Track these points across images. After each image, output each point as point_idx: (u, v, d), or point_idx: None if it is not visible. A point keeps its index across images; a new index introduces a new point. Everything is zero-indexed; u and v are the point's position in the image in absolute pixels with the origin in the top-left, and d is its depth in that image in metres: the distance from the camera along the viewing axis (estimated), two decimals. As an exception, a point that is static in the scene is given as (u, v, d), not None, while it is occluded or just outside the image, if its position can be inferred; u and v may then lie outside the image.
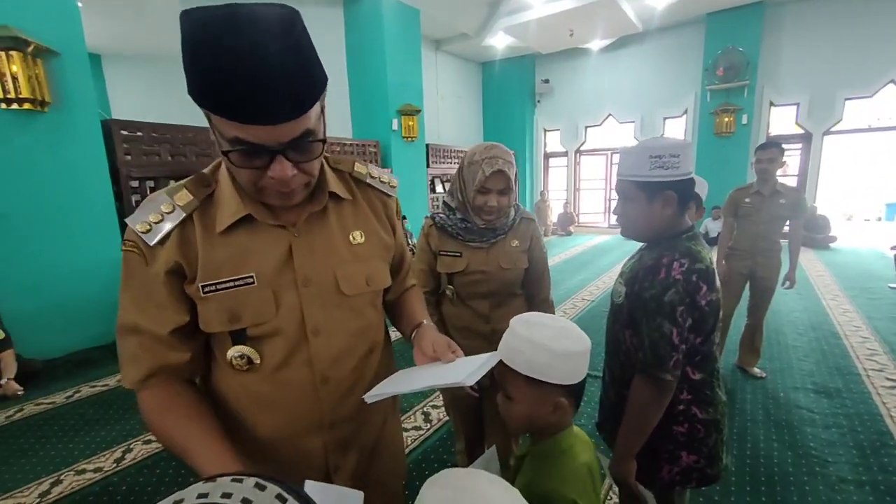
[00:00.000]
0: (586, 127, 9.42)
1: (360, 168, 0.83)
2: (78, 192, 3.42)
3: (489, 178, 1.24)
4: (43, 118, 3.20)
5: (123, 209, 3.79)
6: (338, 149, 5.79)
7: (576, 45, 8.42)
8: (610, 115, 9.00)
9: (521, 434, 0.84)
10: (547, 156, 10.25)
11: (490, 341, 1.35)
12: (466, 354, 1.23)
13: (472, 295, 1.37)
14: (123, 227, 3.57)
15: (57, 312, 3.39)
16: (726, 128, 7.40)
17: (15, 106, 3.02)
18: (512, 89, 9.64)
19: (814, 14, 6.89)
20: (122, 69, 7.93)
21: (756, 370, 2.82)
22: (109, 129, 3.68)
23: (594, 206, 10.05)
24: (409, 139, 6.50)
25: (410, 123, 6.42)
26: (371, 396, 0.70)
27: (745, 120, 7.31)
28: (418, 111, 6.48)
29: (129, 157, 3.83)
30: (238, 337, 0.68)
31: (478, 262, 1.34)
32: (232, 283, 0.67)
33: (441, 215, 1.38)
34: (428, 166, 7.16)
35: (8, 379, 2.82)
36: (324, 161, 0.75)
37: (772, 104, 7.43)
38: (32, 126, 3.17)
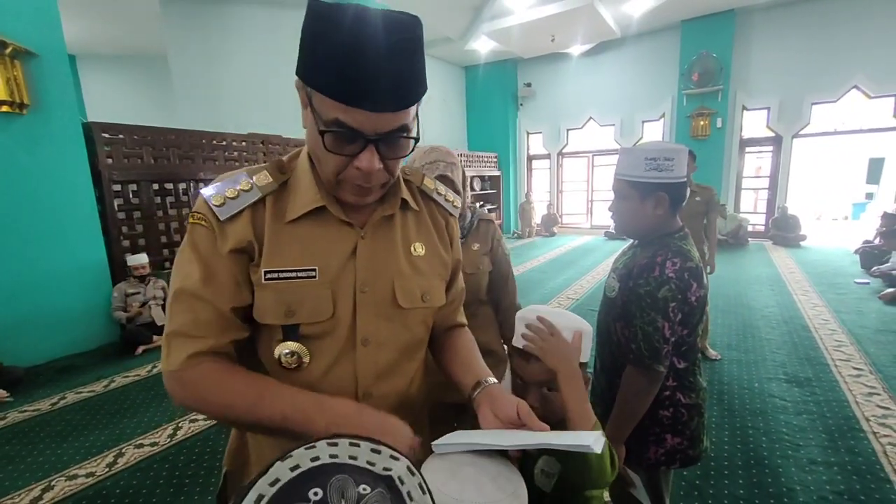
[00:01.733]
0: (568, 130, 9.61)
1: (428, 182, 0.82)
2: (59, 196, 3.36)
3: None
4: (21, 120, 3.15)
5: (106, 212, 3.73)
6: (323, 151, 5.77)
7: (557, 49, 8.60)
8: (591, 118, 9.20)
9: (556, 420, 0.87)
10: (530, 158, 10.41)
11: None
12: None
13: None
14: (107, 231, 3.55)
15: (37, 319, 3.31)
16: (702, 131, 7.66)
17: (-7, 108, 2.97)
18: (495, 92, 9.77)
19: (782, 22, 7.21)
20: (97, 69, 7.76)
21: (711, 352, 3.09)
22: (90, 131, 3.63)
23: (577, 208, 10.25)
24: (395, 142, 6.53)
25: (396, 126, 6.45)
26: (440, 446, 0.60)
27: (719, 123, 7.58)
28: (403, 114, 6.52)
29: (110, 161, 3.78)
30: (290, 333, 0.65)
31: None
32: (294, 275, 0.65)
33: None
34: (413, 168, 7.20)
35: (-11, 386, 2.76)
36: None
37: (744, 108, 7.73)
38: (10, 129, 3.11)
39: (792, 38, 7.17)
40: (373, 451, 0.40)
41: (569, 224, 10.27)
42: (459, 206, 0.85)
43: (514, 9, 6.85)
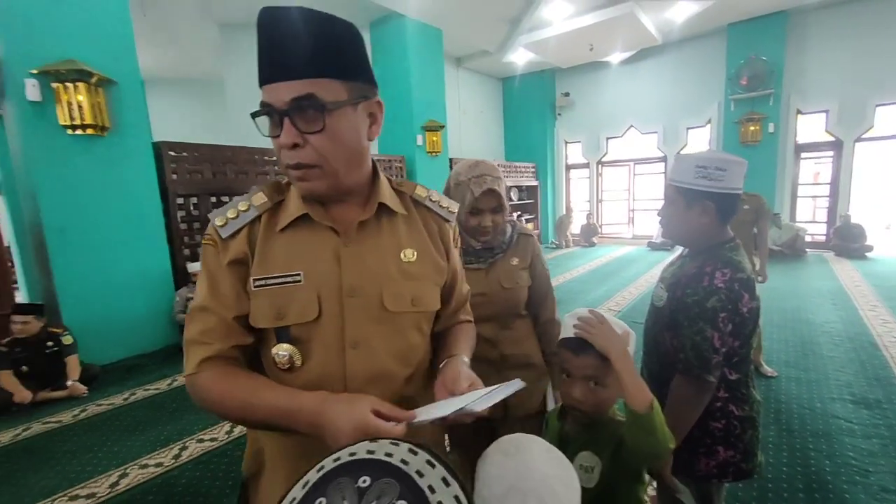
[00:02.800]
0: (608, 138, 9.44)
1: (420, 191, 0.85)
2: (131, 209, 3.68)
3: (479, 199, 1.18)
4: (102, 141, 3.48)
5: (170, 224, 4.04)
6: (365, 164, 5.99)
7: (595, 58, 8.52)
8: (632, 126, 9.01)
9: (592, 419, 0.90)
10: (568, 167, 10.30)
11: (499, 368, 1.27)
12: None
13: (475, 319, 1.30)
14: (171, 241, 3.84)
15: (110, 321, 3.62)
16: (752, 136, 7.32)
17: (79, 131, 3.31)
18: (532, 103, 9.78)
19: (840, 21, 6.82)
20: (162, 93, 8.44)
21: (767, 368, 2.93)
22: (159, 150, 3.96)
23: (617, 218, 10.00)
24: (433, 154, 6.68)
25: (434, 139, 6.61)
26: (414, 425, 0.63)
27: (771, 128, 7.23)
28: (442, 127, 6.67)
29: (175, 176, 4.10)
30: (282, 335, 0.70)
31: (477, 284, 1.25)
32: (281, 280, 0.70)
33: None
34: (451, 180, 7.31)
35: (73, 381, 3.04)
36: (384, 178, 0.80)
37: (799, 112, 7.33)
38: (93, 149, 3.45)
39: (852, 38, 6.76)
40: (443, 479, 0.38)
41: (609, 234, 10.03)
42: (456, 210, 0.87)
43: (552, 20, 6.87)
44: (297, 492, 0.38)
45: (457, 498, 0.37)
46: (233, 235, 0.72)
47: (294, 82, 0.62)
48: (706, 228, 1.11)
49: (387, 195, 0.78)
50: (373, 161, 0.79)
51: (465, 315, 0.92)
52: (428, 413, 0.63)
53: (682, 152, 8.44)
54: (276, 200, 0.75)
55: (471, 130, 9.11)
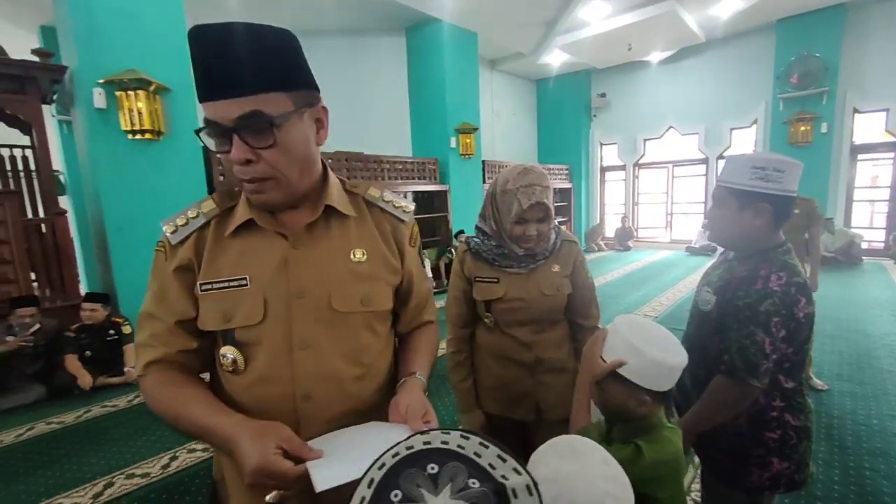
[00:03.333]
0: (645, 140, 9.19)
1: (373, 192, 0.85)
2: (181, 208, 3.91)
3: (530, 209, 1.16)
4: (157, 145, 3.72)
5: (217, 223, 4.26)
6: (399, 166, 6.12)
7: (634, 58, 8.32)
8: (671, 127, 8.73)
9: (613, 419, 0.90)
10: (603, 170, 10.09)
11: (533, 371, 1.27)
12: (508, 385, 1.24)
13: (511, 322, 1.27)
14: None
15: (162, 314, 3.85)
16: (802, 137, 6.95)
17: (138, 136, 3.55)
18: (567, 104, 9.65)
19: (904, 13, 6.37)
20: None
21: (817, 381, 2.80)
22: (207, 153, 4.18)
23: (654, 221, 9.70)
24: (466, 156, 6.72)
25: (468, 141, 6.64)
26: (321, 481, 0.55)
27: (824, 128, 6.83)
28: (475, 129, 6.69)
29: (222, 178, 4.32)
30: (227, 337, 0.71)
31: (517, 288, 1.25)
32: (226, 284, 0.71)
33: (475, 240, 1.30)
34: (484, 182, 7.33)
35: (129, 368, 3.26)
36: (334, 179, 0.80)
37: (856, 111, 6.89)
38: (149, 152, 3.68)
39: (917, 31, 6.30)
40: (499, 457, 0.40)
41: (645, 238, 9.74)
42: (410, 210, 0.87)
43: (589, 20, 6.77)
44: (364, 491, 0.39)
45: (516, 470, 0.39)
46: (181, 242, 0.73)
47: (238, 100, 0.61)
48: (759, 231, 1.07)
49: (335, 197, 0.77)
50: (323, 163, 0.79)
51: (428, 315, 0.92)
52: (336, 455, 0.60)
53: (728, 154, 8.12)
54: (225, 206, 0.76)
55: (504, 133, 9.09)
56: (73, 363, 3.17)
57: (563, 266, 1.28)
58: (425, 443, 0.40)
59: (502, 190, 1.21)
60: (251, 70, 0.61)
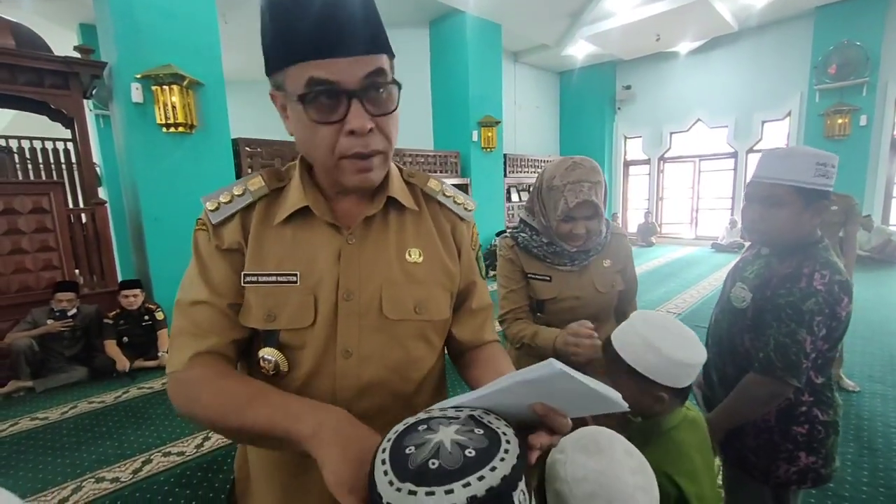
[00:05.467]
0: (671, 133, 8.97)
1: (433, 184, 0.74)
2: (212, 200, 4.05)
3: (577, 207, 1.09)
4: (190, 138, 3.84)
5: (245, 214, 4.39)
6: (421, 160, 6.15)
7: (662, 49, 8.11)
8: (699, 119, 8.50)
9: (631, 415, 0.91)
10: (627, 163, 9.90)
11: (584, 371, 1.20)
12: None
13: (564, 322, 1.17)
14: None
15: (193, 301, 4.01)
16: (840, 130, 6.66)
17: (172, 129, 3.68)
18: (591, 97, 9.49)
19: (955, -1, 6.01)
20: (237, 93, 9.10)
21: (848, 382, 2.73)
22: (237, 146, 4.31)
23: (679, 217, 9.48)
24: (488, 149, 6.70)
25: (489, 134, 6.62)
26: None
27: (863, 121, 6.53)
28: (498, 122, 6.66)
29: (250, 170, 4.44)
30: (269, 338, 0.62)
31: (570, 287, 1.20)
32: (274, 279, 0.62)
33: (523, 235, 1.23)
34: (505, 175, 7.31)
35: (163, 352, 3.42)
36: (394, 167, 0.71)
37: (899, 103, 6.57)
38: (182, 145, 3.82)
39: (970, 17, 5.94)
40: (496, 418, 0.44)
41: (669, 234, 9.54)
42: (472, 208, 0.76)
43: (615, 11, 6.63)
44: (379, 455, 0.40)
45: (507, 424, 0.43)
46: (224, 222, 0.64)
47: (363, 57, 0.53)
48: (812, 229, 1.05)
49: (397, 188, 0.68)
50: None
51: (490, 334, 0.77)
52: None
53: (759, 147, 7.86)
54: (273, 187, 0.67)
55: (526, 125, 9.02)
56: (112, 348, 3.34)
57: (614, 261, 1.24)
58: (403, 423, 0.44)
59: (548, 186, 1.15)
60: (373, 26, 0.54)
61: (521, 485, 0.38)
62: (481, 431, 0.40)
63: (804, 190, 1.00)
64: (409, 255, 0.68)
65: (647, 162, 9.46)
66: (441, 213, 0.74)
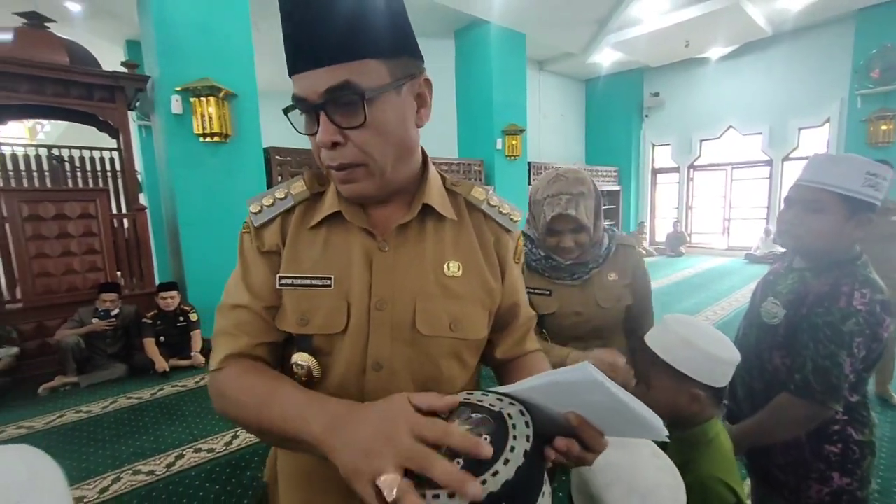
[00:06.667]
0: (702, 140, 8.74)
1: (477, 192, 0.71)
2: (244, 206, 4.18)
3: (553, 221, 1.07)
4: (225, 147, 4.01)
5: (274, 221, 4.53)
6: (445, 168, 6.21)
7: (691, 55, 7.95)
8: (731, 126, 8.26)
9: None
10: (655, 171, 9.70)
11: None
12: None
13: (566, 338, 1.17)
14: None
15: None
16: (884, 137, 6.35)
17: (208, 139, 3.86)
18: (617, 104, 9.37)
19: None
20: (268, 104, 9.43)
21: None
22: (268, 154, 4.47)
23: (709, 226, 9.19)
24: (512, 157, 6.71)
25: (514, 142, 6.63)
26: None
27: (910, 127, 6.21)
28: (522, 130, 6.67)
29: (280, 178, 4.59)
30: (303, 343, 0.62)
31: (571, 302, 1.15)
32: (309, 282, 0.62)
33: (524, 246, 1.19)
34: (529, 183, 7.28)
35: (196, 352, 3.57)
36: (435, 173, 0.69)
37: (949, 108, 6.22)
38: (218, 154, 3.99)
39: None
40: (498, 399, 0.45)
41: (699, 244, 9.26)
42: (518, 218, 0.72)
43: (643, 17, 6.55)
44: None
45: (511, 403, 0.44)
46: (266, 224, 0.65)
47: (328, 69, 0.52)
48: (852, 242, 1.01)
49: (434, 195, 0.66)
50: (423, 152, 0.68)
51: (531, 345, 0.75)
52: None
53: (818, 153, 7.57)
54: (314, 191, 0.67)
55: (551, 134, 8.98)
56: (150, 347, 3.51)
57: (620, 274, 1.18)
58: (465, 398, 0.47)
59: (533, 200, 1.15)
60: (344, 33, 0.52)
61: None
62: (487, 439, 0.39)
63: (850, 198, 0.95)
64: (448, 268, 0.64)
65: (676, 170, 9.24)
66: (485, 223, 0.70)
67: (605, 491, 0.56)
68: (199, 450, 2.41)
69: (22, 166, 4.34)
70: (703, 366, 0.80)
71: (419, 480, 0.38)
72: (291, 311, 0.62)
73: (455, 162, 6.37)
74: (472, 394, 0.47)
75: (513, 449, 0.38)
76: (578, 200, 1.07)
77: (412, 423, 0.42)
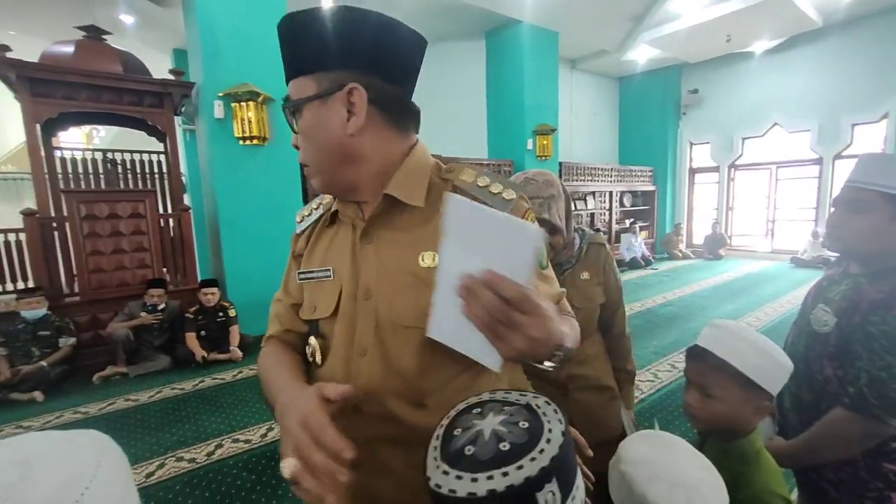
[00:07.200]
0: (744, 138, 8.36)
1: (466, 175, 0.69)
2: (280, 207, 4.33)
3: None
4: (263, 150, 4.17)
5: (308, 221, 4.66)
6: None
7: (733, 50, 7.61)
8: (776, 124, 7.86)
9: (708, 431, 0.87)
10: (693, 171, 9.34)
11: (565, 390, 1.18)
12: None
13: None
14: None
15: (260, 300, 4.29)
16: (950, 133, 5.89)
17: (248, 142, 4.01)
18: (653, 102, 9.09)
19: None
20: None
21: None
22: (303, 156, 4.60)
23: (751, 228, 8.76)
24: (543, 157, 6.63)
25: (545, 142, 6.56)
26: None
27: (981, 122, 5.73)
28: (553, 130, 6.59)
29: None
30: (312, 328, 0.72)
31: None
32: (316, 275, 0.71)
33: None
34: (560, 184, 7.18)
35: (234, 347, 3.72)
36: (415, 163, 0.68)
37: None
38: (256, 156, 4.15)
39: None
40: (520, 394, 0.50)
41: (740, 246, 8.84)
42: (511, 197, 0.66)
43: (681, 12, 6.34)
44: (435, 442, 0.46)
45: (535, 396, 0.48)
46: (301, 232, 0.78)
47: (292, 82, 0.65)
48: None
49: (400, 183, 0.66)
50: (417, 149, 0.69)
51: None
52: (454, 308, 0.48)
53: (848, 153, 7.13)
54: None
55: (582, 133, 8.82)
56: (192, 340, 3.68)
57: (593, 272, 1.20)
58: (466, 402, 0.50)
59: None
60: (289, 56, 0.64)
61: (551, 487, 0.39)
62: (526, 424, 0.42)
63: (894, 198, 0.92)
64: (422, 260, 0.64)
65: (716, 169, 8.87)
66: None
67: (647, 485, 0.56)
68: (237, 440, 2.51)
69: (80, 169, 4.65)
70: (773, 374, 0.77)
71: (453, 461, 0.41)
72: (307, 301, 0.73)
73: (485, 162, 6.36)
74: (495, 392, 0.51)
75: (550, 431, 0.42)
76: (550, 203, 1.08)
77: (302, 416, 0.51)
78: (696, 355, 0.86)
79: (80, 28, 3.99)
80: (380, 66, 0.63)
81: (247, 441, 2.50)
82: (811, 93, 7.37)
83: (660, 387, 2.99)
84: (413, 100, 0.69)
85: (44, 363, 3.28)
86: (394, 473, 0.65)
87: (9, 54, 3.39)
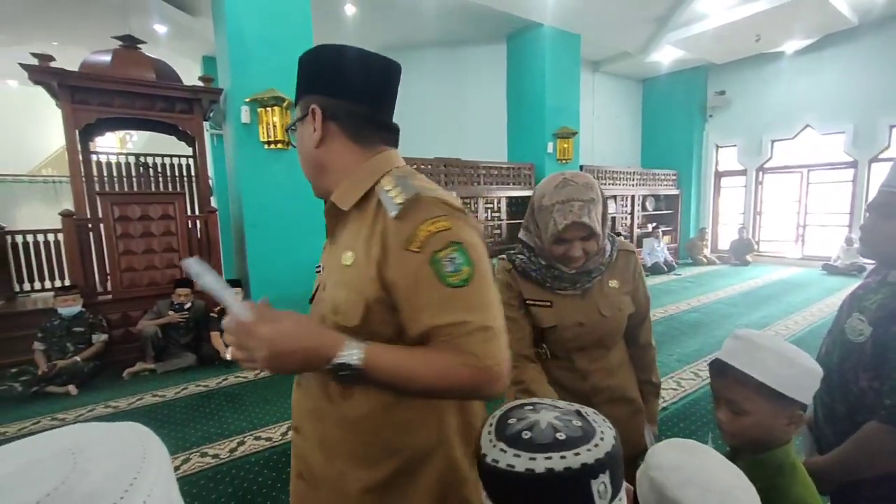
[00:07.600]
0: (773, 141, 8.10)
1: (385, 181, 0.71)
2: (304, 210, 4.40)
3: (566, 229, 1.02)
4: (287, 154, 4.25)
5: (330, 223, 4.74)
6: (494, 172, 6.20)
7: (762, 50, 7.40)
8: (807, 126, 7.59)
9: (740, 446, 0.85)
10: (719, 175, 9.10)
11: (589, 401, 1.09)
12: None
13: (570, 350, 1.13)
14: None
15: (286, 300, 4.35)
16: None
17: (273, 146, 4.11)
18: (677, 105, 8.91)
19: None
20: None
21: None
22: (325, 160, 4.68)
23: (780, 234, 8.47)
24: (564, 161, 6.57)
25: (566, 146, 6.50)
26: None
27: None
28: (574, 133, 6.52)
29: (336, 182, 4.79)
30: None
31: (573, 312, 1.10)
32: (318, 269, 0.86)
33: (521, 257, 1.13)
34: (580, 188, 7.09)
35: (257, 346, 3.80)
36: (366, 173, 0.73)
37: None
38: (281, 160, 4.23)
39: None
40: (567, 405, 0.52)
41: (768, 252, 8.56)
42: (401, 201, 0.65)
43: (708, 12, 6.20)
44: (488, 428, 0.47)
45: (581, 405, 0.50)
46: None
47: None
48: None
49: (344, 190, 0.73)
50: (375, 157, 0.75)
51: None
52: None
53: (885, 156, 6.84)
54: None
55: (604, 135, 8.70)
56: (217, 339, 3.78)
57: (621, 281, 1.15)
58: (517, 401, 0.52)
59: (539, 206, 1.08)
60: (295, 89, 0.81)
61: (604, 478, 0.41)
62: (579, 424, 0.45)
63: None
64: (343, 258, 0.72)
65: (744, 173, 8.61)
66: (379, 211, 0.68)
67: (679, 490, 0.55)
68: (259, 437, 2.57)
69: (114, 172, 4.85)
70: (802, 382, 0.75)
71: (510, 442, 0.44)
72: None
73: (504, 166, 6.34)
74: (542, 399, 0.52)
75: (602, 433, 0.45)
76: (589, 207, 1.03)
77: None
78: (719, 370, 0.83)
79: (117, 38, 4.17)
80: (342, 89, 0.73)
81: (268, 439, 2.55)
82: (845, 93, 7.10)
83: (683, 395, 2.92)
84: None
85: (77, 358, 3.42)
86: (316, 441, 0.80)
87: (52, 64, 3.57)
